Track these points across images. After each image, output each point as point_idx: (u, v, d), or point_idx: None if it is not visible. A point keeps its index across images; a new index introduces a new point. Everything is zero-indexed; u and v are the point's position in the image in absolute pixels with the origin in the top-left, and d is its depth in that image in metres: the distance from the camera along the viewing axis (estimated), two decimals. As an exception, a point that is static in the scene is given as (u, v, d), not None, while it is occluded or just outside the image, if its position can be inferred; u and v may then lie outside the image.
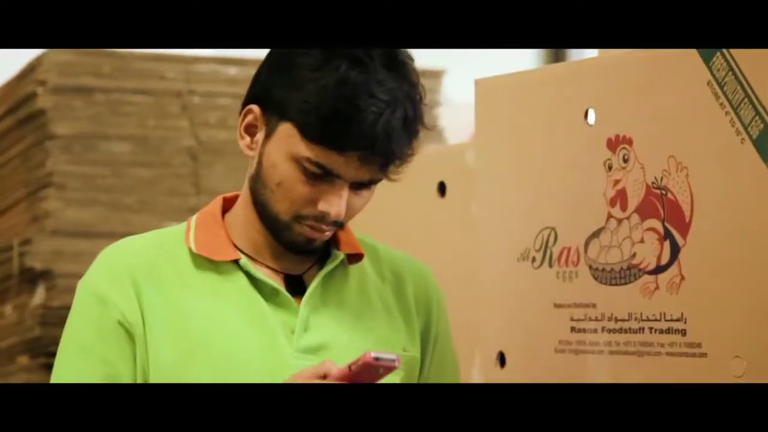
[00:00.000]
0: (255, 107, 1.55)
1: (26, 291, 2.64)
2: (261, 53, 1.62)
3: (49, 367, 2.55)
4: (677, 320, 1.59)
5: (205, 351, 1.52)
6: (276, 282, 1.57)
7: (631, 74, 1.65)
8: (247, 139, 1.56)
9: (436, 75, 3.01)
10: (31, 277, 2.63)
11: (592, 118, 1.69)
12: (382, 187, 2.17)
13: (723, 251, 1.55)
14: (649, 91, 1.62)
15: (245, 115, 1.56)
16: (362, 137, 1.48)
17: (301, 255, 1.58)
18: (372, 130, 1.48)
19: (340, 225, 1.56)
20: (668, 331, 1.60)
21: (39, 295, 2.61)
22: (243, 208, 1.59)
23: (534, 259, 1.75)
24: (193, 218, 1.61)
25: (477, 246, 1.84)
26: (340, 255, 1.60)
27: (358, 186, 1.53)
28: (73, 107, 2.65)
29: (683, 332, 1.59)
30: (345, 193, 1.52)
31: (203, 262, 1.57)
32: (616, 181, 1.66)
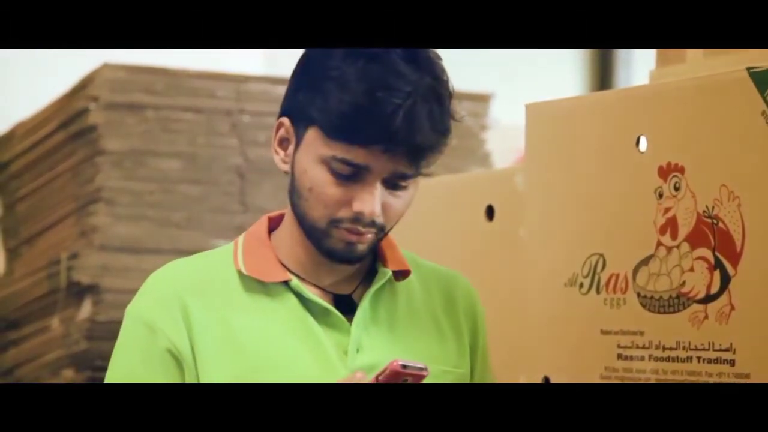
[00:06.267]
0: (285, 120, 1.55)
1: (73, 305, 2.67)
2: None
3: (94, 381, 2.58)
4: (726, 350, 1.58)
5: (259, 374, 1.51)
6: (326, 302, 1.56)
7: (684, 102, 1.64)
8: (281, 153, 1.56)
9: (483, 98, 3.01)
10: (78, 291, 2.65)
11: (643, 145, 1.68)
12: (430, 210, 2.18)
13: (774, 282, 1.54)
14: (702, 120, 1.62)
15: (277, 130, 1.56)
16: (383, 130, 1.46)
17: (345, 264, 1.56)
18: (392, 122, 1.46)
19: (380, 228, 1.53)
20: (717, 360, 1.59)
21: (86, 309, 2.63)
22: (288, 226, 1.59)
23: (582, 285, 1.75)
24: (240, 239, 1.60)
25: (524, 270, 1.83)
26: (388, 272, 1.59)
27: (392, 185, 1.51)
28: (125, 123, 2.67)
29: (732, 362, 1.58)
30: (377, 191, 1.50)
31: (253, 283, 1.56)
32: (667, 209, 1.66)
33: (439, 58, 1.53)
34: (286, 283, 1.56)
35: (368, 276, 1.60)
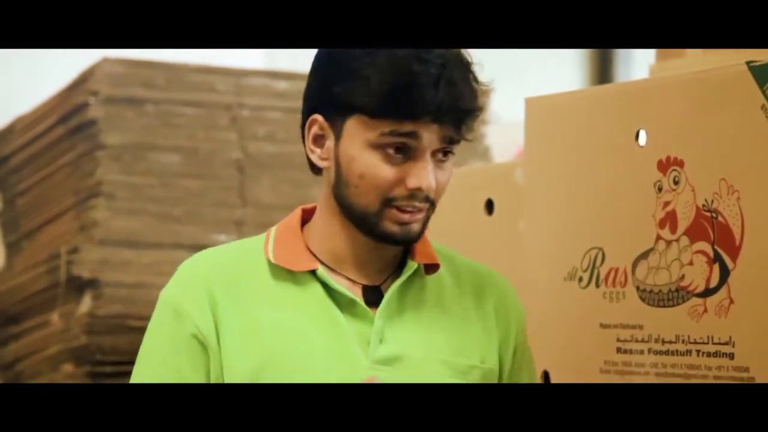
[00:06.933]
0: (318, 116, 1.56)
1: (73, 299, 2.67)
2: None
3: (94, 376, 2.58)
4: (725, 344, 1.59)
5: (280, 362, 1.53)
6: (353, 292, 1.57)
7: (683, 96, 1.64)
8: (317, 150, 1.57)
9: (483, 93, 3.01)
10: (78, 286, 2.65)
11: (643, 139, 1.69)
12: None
13: (773, 275, 1.54)
14: (702, 114, 1.62)
15: (310, 128, 1.57)
16: (430, 100, 1.50)
17: (401, 245, 1.58)
18: (436, 91, 1.50)
19: (432, 203, 1.55)
20: (716, 354, 1.59)
21: (85, 304, 2.64)
22: (324, 218, 1.60)
23: (581, 279, 1.75)
24: (273, 230, 1.62)
25: (524, 264, 1.84)
26: (415, 265, 1.60)
27: (438, 157, 1.54)
28: (124, 118, 2.67)
29: (731, 356, 1.58)
30: (430, 165, 1.53)
31: (282, 273, 1.58)
32: (666, 203, 1.66)
33: None
34: (313, 272, 1.57)
35: (399, 268, 1.61)
